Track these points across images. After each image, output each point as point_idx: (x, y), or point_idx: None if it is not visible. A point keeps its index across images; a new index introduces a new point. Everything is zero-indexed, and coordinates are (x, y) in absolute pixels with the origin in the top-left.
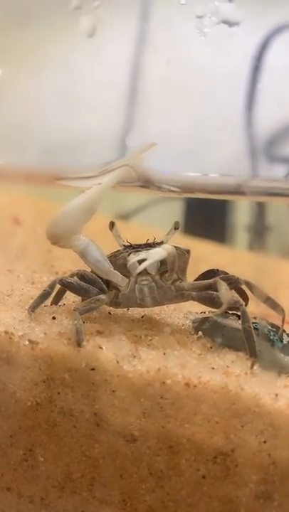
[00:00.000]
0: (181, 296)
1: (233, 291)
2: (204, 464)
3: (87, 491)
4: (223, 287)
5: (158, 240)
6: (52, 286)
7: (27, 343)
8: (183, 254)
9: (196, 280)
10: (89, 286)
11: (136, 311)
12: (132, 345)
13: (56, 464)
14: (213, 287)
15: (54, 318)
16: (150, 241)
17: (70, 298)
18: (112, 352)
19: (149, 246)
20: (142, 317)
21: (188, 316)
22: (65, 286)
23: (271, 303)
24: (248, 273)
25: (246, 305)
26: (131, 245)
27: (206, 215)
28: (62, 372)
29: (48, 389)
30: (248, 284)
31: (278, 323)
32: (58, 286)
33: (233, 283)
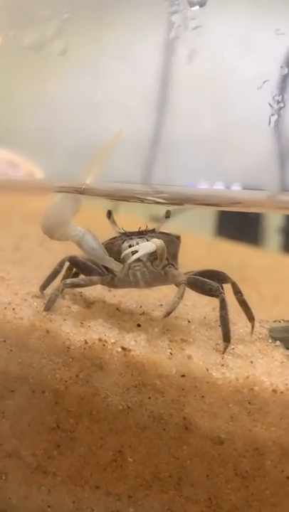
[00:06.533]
0: (172, 279)
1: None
2: None
3: (174, 490)
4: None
5: (150, 228)
6: (61, 264)
7: (119, 349)
8: (173, 241)
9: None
10: (94, 266)
11: (213, 320)
12: (217, 354)
13: (144, 465)
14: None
15: (139, 325)
16: (142, 229)
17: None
18: (201, 360)
19: (141, 234)
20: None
21: (264, 324)
22: (73, 263)
23: (245, 307)
24: None
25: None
26: (125, 233)
27: (240, 217)
28: (153, 378)
29: (139, 394)
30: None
31: None
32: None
33: (222, 279)
